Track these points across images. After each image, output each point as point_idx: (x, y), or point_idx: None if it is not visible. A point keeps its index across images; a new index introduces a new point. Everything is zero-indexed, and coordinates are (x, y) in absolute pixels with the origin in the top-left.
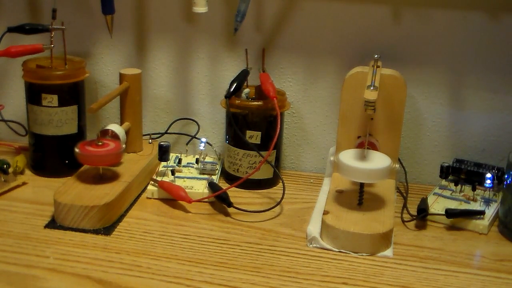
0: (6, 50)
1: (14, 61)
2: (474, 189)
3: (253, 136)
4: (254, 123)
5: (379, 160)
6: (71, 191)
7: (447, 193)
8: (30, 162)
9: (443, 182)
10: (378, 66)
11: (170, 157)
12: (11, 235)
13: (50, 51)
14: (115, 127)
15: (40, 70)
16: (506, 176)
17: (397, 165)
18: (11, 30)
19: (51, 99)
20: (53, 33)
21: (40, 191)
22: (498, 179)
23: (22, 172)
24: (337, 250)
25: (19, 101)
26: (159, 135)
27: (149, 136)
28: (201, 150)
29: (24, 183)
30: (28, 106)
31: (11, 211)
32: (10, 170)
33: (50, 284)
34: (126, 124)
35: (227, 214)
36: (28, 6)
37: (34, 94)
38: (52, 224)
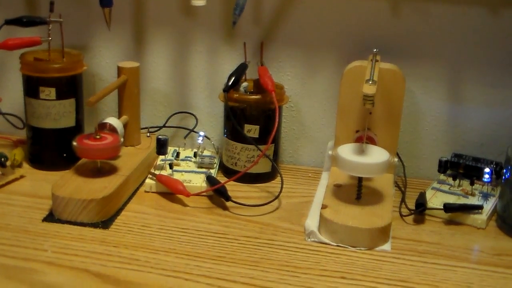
0: (3, 43)
1: (12, 54)
2: (472, 184)
3: (251, 130)
4: (252, 116)
5: (377, 155)
6: (69, 184)
7: (445, 187)
8: (28, 155)
9: (442, 176)
10: (376, 60)
11: (168, 150)
12: (9, 229)
13: (48, 44)
14: (113, 121)
15: (38, 63)
16: (504, 170)
17: (396, 160)
18: (8, 22)
19: (48, 92)
20: (50, 25)
21: (38, 185)
22: (497, 173)
23: (20, 165)
24: (335, 244)
25: (16, 94)
26: (157, 128)
27: (147, 129)
28: (199, 143)
29: (22, 176)
30: (25, 99)
31: (9, 204)
32: (8, 163)
33: (48, 278)
34: (124, 117)
35: (225, 208)
36: None
37: (31, 87)
38: (50, 217)
